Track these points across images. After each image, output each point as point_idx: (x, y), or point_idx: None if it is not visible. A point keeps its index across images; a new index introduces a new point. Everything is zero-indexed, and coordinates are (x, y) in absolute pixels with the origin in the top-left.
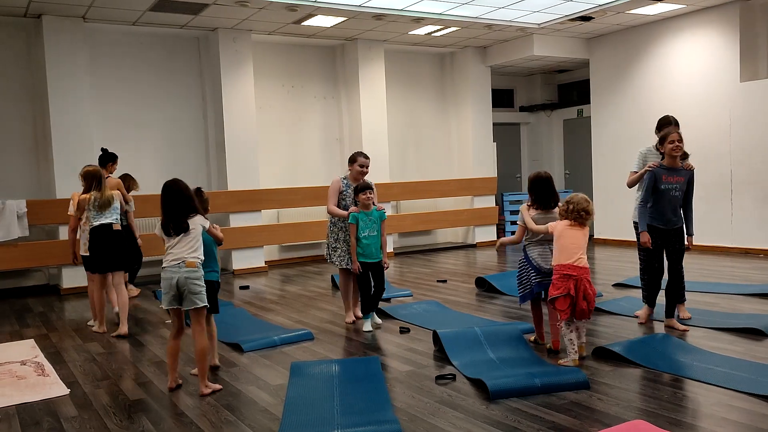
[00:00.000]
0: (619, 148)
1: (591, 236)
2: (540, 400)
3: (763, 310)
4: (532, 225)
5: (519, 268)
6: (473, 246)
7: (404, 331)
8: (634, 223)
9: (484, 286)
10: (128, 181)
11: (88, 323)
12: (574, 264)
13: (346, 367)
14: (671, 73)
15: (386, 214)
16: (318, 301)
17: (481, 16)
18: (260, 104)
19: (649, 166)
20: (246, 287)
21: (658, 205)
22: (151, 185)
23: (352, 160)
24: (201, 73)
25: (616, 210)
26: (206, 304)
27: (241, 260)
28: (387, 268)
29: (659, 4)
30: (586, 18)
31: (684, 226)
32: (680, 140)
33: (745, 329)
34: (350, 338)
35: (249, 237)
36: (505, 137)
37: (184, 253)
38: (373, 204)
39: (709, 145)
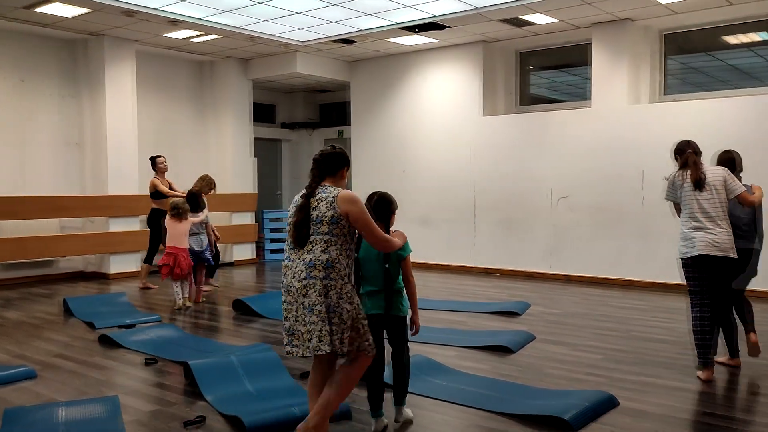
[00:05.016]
0: (377, 170)
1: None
2: None
3: (505, 327)
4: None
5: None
6: (231, 264)
7: (150, 362)
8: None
9: (241, 309)
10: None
11: None
12: (175, 245)
13: (76, 412)
14: (423, 102)
15: None
16: (45, 330)
17: (244, 27)
18: None
19: None
20: None
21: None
22: None
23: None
24: None
25: None
26: None
27: None
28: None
29: (415, 36)
30: (348, 41)
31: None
32: None
33: (492, 347)
34: (84, 374)
35: None
36: (266, 153)
37: None
38: None
39: (454, 173)
